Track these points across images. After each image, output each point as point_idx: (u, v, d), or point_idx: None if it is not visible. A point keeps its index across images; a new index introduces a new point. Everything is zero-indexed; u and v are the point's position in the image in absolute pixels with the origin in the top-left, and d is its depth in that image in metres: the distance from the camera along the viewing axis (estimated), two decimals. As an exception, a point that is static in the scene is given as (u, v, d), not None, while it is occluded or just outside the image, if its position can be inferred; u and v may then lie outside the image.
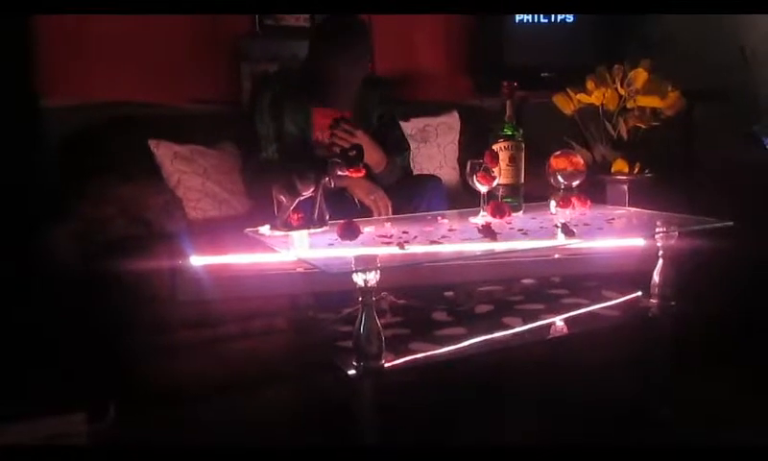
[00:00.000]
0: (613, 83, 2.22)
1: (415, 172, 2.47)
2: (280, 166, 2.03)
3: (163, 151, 2.22)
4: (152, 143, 2.21)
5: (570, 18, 3.09)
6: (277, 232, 1.61)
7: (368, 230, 1.66)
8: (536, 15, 3.07)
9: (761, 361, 2.06)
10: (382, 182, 2.18)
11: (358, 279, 1.36)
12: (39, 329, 1.86)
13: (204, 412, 1.75)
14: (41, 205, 2.04)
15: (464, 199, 2.17)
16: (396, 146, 2.32)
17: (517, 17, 3.04)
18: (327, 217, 1.64)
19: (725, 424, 1.78)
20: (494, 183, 1.80)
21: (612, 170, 2.23)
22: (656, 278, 1.82)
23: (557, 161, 1.93)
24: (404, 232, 1.65)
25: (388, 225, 1.76)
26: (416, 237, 1.60)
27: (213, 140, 2.35)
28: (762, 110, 2.86)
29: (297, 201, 1.60)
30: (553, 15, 3.08)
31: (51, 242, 1.85)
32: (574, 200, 1.89)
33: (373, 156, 2.16)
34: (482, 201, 1.82)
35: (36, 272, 1.88)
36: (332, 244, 1.53)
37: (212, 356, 1.84)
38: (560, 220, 1.72)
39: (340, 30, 2.16)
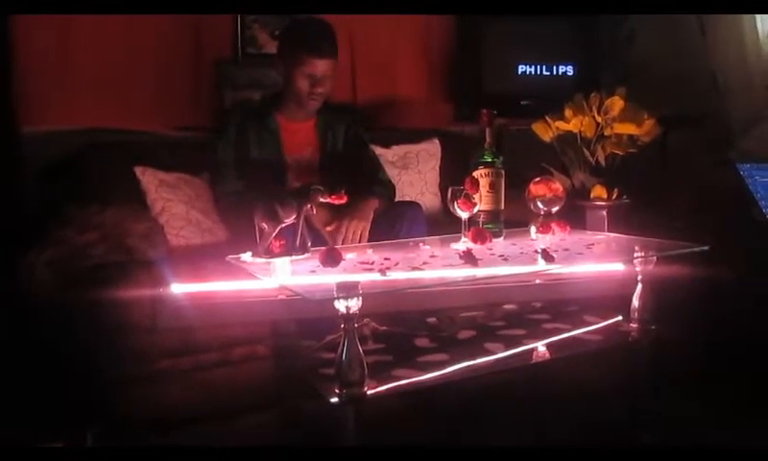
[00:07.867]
0: (591, 110, 2.25)
1: (395, 198, 2.49)
2: (247, 196, 2.04)
3: (149, 178, 2.20)
4: (138, 170, 2.20)
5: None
6: (259, 259, 1.61)
7: (349, 256, 1.66)
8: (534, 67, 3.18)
9: (741, 382, 2.08)
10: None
11: (340, 305, 1.36)
12: (16, 358, 1.83)
13: (186, 440, 1.73)
14: (21, 229, 2.02)
15: (445, 225, 2.18)
16: (370, 166, 2.39)
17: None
18: (309, 244, 1.65)
19: (706, 444, 1.79)
20: (475, 210, 1.82)
21: (591, 196, 2.25)
22: (635, 302, 1.84)
23: (536, 188, 1.95)
24: (386, 259, 1.65)
25: (370, 251, 1.76)
26: (397, 264, 1.61)
27: (199, 168, 2.34)
28: (735, 136, 2.92)
29: (278, 228, 1.60)
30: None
31: (28, 268, 1.82)
32: (554, 225, 1.91)
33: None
34: (463, 227, 1.83)
35: (13, 298, 1.86)
36: (314, 271, 1.54)
37: (193, 384, 1.82)
38: (540, 246, 1.74)
39: (308, 25, 2.21)
